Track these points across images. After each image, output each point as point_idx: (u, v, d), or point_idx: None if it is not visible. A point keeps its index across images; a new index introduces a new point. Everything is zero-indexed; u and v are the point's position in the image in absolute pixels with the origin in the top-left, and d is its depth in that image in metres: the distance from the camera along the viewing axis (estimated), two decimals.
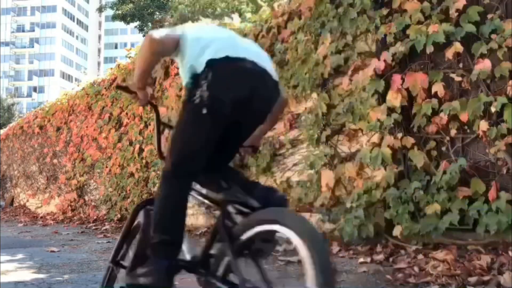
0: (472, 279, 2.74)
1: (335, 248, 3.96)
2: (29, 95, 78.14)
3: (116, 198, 7.74)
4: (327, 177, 4.14)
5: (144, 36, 22.90)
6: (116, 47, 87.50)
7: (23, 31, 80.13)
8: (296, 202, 4.84)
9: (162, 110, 6.64)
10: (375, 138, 3.86)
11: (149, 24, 24.15)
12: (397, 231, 3.57)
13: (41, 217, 9.92)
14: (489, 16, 3.27)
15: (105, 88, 8.55)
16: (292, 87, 5.27)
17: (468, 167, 3.29)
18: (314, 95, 4.60)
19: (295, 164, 5.39)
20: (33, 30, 79.92)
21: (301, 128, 4.91)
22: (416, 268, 3.08)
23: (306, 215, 4.51)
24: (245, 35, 6.10)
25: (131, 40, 73.11)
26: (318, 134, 4.35)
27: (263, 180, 5.78)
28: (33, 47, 79.82)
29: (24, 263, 4.10)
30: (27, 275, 3.51)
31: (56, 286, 3.15)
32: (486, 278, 2.72)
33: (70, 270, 3.73)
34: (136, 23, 24.28)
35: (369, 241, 3.81)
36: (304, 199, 4.80)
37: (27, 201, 12.25)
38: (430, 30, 3.48)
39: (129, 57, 7.88)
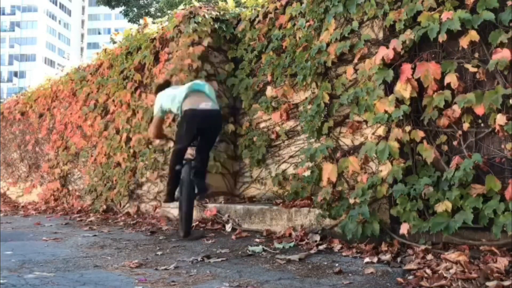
0: (491, 284, 2.57)
1: (336, 245, 3.77)
2: (9, 80, 76.50)
3: (101, 188, 7.46)
4: (329, 171, 3.94)
5: (128, 21, 22.44)
6: (99, 33, 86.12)
7: (4, 14, 78.19)
8: (293, 196, 4.65)
9: (151, 97, 6.36)
10: (381, 131, 3.67)
11: (134, 9, 23.58)
12: (404, 229, 3.39)
13: (22, 207, 9.58)
14: (509, 3, 3.07)
15: (90, 73, 8.22)
16: (289, 75, 5.06)
17: (482, 163, 3.11)
18: (314, 84, 4.38)
19: (291, 156, 5.19)
20: (14, 14, 78.03)
21: (300, 118, 4.69)
22: (428, 270, 2.90)
23: (304, 209, 4.32)
24: (239, 21, 5.86)
25: (115, 26, 71.95)
26: (319, 126, 4.14)
27: (257, 172, 5.58)
28: (13, 30, 78.00)
29: (4, 259, 3.83)
30: (8, 275, 3.25)
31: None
32: (507, 283, 2.54)
33: (55, 269, 3.48)
34: (121, 8, 23.67)
35: (373, 239, 3.63)
36: (301, 193, 4.62)
37: (8, 189, 11.86)
38: (443, 17, 3.28)
39: (115, 42, 7.56)
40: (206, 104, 4.51)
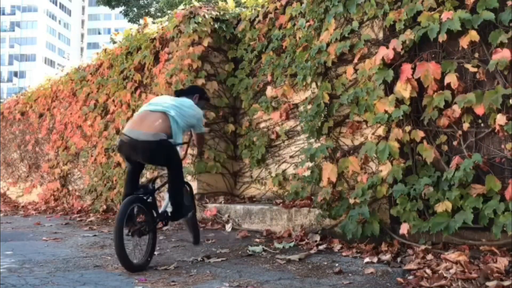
0: (491, 284, 2.57)
1: (336, 245, 3.77)
2: (9, 80, 76.46)
3: (101, 188, 7.46)
4: (329, 171, 3.93)
5: (128, 21, 22.38)
6: (99, 33, 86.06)
7: (4, 14, 78.09)
8: (293, 196, 4.64)
9: (151, 97, 6.35)
10: (381, 131, 3.67)
11: (134, 9, 23.56)
12: (404, 229, 3.39)
13: (22, 207, 9.58)
14: (509, 3, 3.06)
15: (90, 73, 8.21)
16: (289, 75, 5.07)
17: (482, 163, 3.11)
18: (314, 84, 4.38)
19: (291, 156, 5.20)
20: (14, 14, 77.96)
21: (300, 118, 4.69)
22: (428, 270, 2.90)
23: (304, 209, 4.32)
24: (239, 21, 5.86)
25: (114, 26, 71.87)
26: (319, 126, 4.13)
27: (257, 172, 5.58)
28: (13, 30, 77.93)
29: (4, 259, 3.83)
30: (8, 275, 3.25)
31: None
32: (507, 283, 2.54)
33: (55, 269, 3.48)
34: (121, 8, 23.64)
35: (373, 239, 3.63)
36: (301, 193, 4.61)
37: (8, 189, 11.86)
38: (443, 17, 3.28)
39: (115, 42, 7.54)
40: (140, 133, 3.63)
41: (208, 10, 5.87)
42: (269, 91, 5.27)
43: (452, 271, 2.83)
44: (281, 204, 4.66)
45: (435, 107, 3.34)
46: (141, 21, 6.99)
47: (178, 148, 3.89)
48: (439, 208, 3.20)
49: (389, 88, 3.63)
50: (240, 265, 3.46)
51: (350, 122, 3.94)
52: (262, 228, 4.63)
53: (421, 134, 3.42)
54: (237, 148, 5.89)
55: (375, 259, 3.28)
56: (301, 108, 4.77)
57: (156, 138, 3.63)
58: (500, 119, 3.01)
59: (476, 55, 3.24)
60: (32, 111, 10.51)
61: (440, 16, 3.31)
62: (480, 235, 3.17)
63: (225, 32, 5.85)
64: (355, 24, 3.89)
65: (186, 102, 4.02)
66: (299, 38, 4.69)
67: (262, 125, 5.55)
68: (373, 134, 3.76)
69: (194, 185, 5.65)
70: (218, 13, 5.90)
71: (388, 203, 3.68)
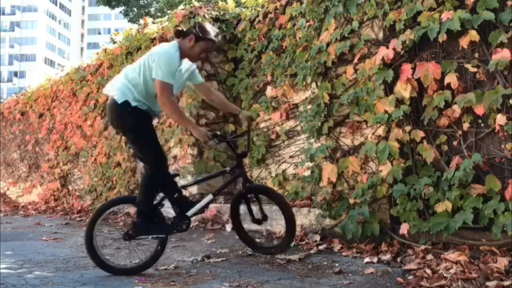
0: (491, 284, 2.57)
1: (336, 245, 3.77)
2: (9, 80, 76.48)
3: (101, 188, 7.46)
4: (329, 171, 3.93)
5: (128, 21, 22.40)
6: (99, 33, 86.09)
7: (4, 14, 78.11)
8: (293, 196, 4.65)
9: None
10: (381, 131, 3.67)
11: (134, 9, 23.58)
12: (404, 229, 3.39)
13: (22, 207, 9.58)
14: (509, 3, 3.06)
15: (90, 73, 8.21)
16: (289, 75, 5.07)
17: (482, 163, 3.11)
18: (314, 84, 4.38)
19: (291, 156, 5.20)
20: (14, 14, 77.97)
21: (300, 118, 4.69)
22: (428, 270, 2.90)
23: (304, 209, 4.32)
24: (239, 21, 5.86)
25: (115, 26, 71.88)
26: (319, 126, 4.13)
27: (257, 172, 5.58)
28: (13, 30, 77.94)
29: (4, 259, 3.83)
30: (8, 275, 3.25)
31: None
32: (507, 283, 2.54)
33: (55, 269, 3.48)
34: (121, 8, 23.67)
35: (373, 239, 3.63)
36: (301, 193, 4.62)
37: (8, 189, 11.86)
38: (443, 17, 3.28)
39: (115, 42, 7.55)
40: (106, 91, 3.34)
41: (208, 10, 5.87)
42: (269, 91, 5.27)
43: (452, 271, 2.83)
44: None
45: (435, 107, 3.34)
46: (141, 21, 6.98)
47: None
48: (439, 208, 3.21)
49: (389, 88, 3.63)
50: (240, 265, 3.46)
51: (350, 122, 3.94)
52: (262, 228, 4.62)
53: (421, 134, 3.42)
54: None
55: (375, 259, 3.28)
56: (301, 108, 4.77)
57: (122, 94, 3.25)
58: (500, 119, 3.01)
59: (476, 55, 3.24)
60: (32, 111, 10.51)
61: (440, 16, 3.31)
62: (480, 235, 3.17)
63: (225, 32, 5.85)
64: (355, 24, 3.89)
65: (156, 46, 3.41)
66: (299, 38, 4.69)
67: (262, 125, 5.55)
68: (373, 134, 3.76)
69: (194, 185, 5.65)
70: (218, 13, 5.89)
71: (388, 203, 3.68)
